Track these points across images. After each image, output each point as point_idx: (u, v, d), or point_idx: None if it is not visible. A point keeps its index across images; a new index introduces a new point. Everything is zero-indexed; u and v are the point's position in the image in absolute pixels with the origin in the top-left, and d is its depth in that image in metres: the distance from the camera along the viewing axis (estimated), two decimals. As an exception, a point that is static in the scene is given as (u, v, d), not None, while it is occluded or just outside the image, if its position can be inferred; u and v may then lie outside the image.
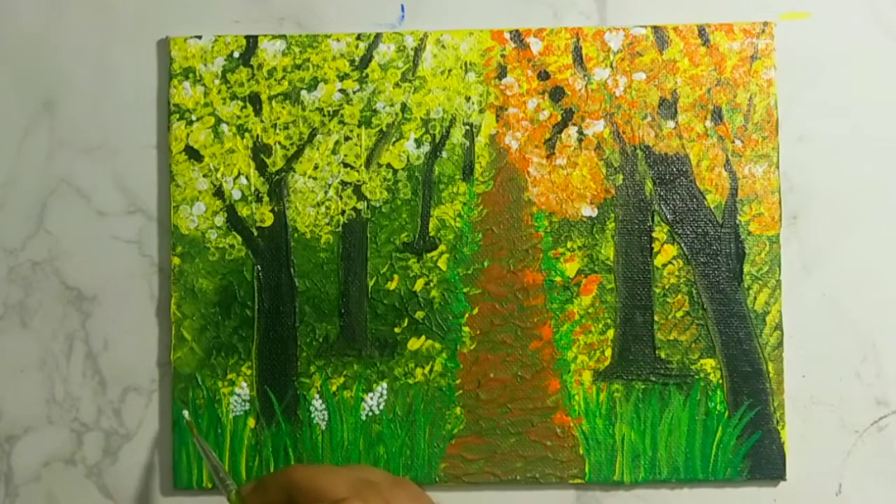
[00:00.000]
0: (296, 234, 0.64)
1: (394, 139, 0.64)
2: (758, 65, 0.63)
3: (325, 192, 0.64)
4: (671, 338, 0.63)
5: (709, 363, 0.63)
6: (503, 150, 0.64)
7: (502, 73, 0.64)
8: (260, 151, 0.64)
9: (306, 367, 0.63)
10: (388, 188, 0.64)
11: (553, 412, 0.63)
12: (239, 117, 0.64)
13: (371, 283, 0.63)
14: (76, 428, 0.64)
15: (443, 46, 0.64)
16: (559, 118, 0.64)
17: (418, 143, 0.64)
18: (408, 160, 0.64)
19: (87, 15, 0.65)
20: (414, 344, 0.63)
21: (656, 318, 0.63)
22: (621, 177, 0.63)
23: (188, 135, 0.64)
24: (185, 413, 0.62)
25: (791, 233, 0.64)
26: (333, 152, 0.64)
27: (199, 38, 0.64)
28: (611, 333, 0.63)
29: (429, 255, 0.63)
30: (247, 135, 0.64)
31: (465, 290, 0.63)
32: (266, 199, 0.64)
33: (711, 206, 0.63)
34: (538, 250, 0.63)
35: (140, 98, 0.65)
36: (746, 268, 0.63)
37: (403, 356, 0.63)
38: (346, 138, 0.64)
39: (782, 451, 0.62)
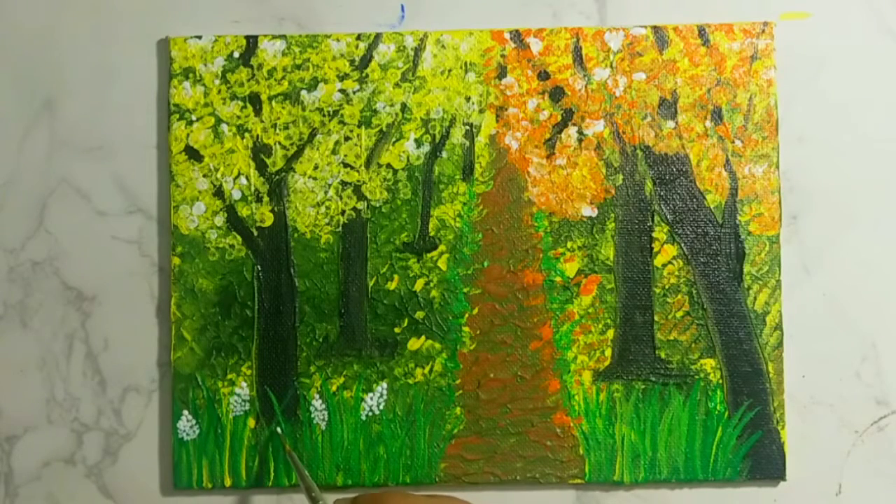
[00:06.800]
0: (296, 234, 0.64)
1: (394, 139, 0.64)
2: (758, 65, 0.63)
3: (325, 192, 0.64)
4: (671, 338, 0.63)
5: (709, 363, 0.63)
6: (503, 150, 0.64)
7: (502, 73, 0.64)
8: (260, 151, 0.64)
9: (306, 367, 0.63)
10: (388, 188, 0.64)
11: (553, 412, 0.63)
12: (239, 117, 0.64)
13: (371, 283, 0.63)
14: (76, 428, 0.64)
15: (443, 46, 0.64)
16: (559, 118, 0.64)
17: (418, 143, 0.64)
18: (408, 160, 0.64)
19: (87, 15, 0.65)
20: (414, 344, 0.63)
21: (656, 318, 0.63)
22: (621, 177, 0.63)
23: (188, 135, 0.64)
24: (279, 429, 0.62)
25: (791, 233, 0.64)
26: (333, 152, 0.64)
27: (199, 38, 0.64)
28: (611, 333, 0.63)
29: (429, 255, 0.63)
30: (247, 135, 0.64)
31: (465, 290, 0.63)
32: (266, 199, 0.64)
33: (711, 206, 0.63)
34: (538, 250, 0.63)
35: (140, 98, 0.65)
36: (746, 268, 0.63)
37: (403, 356, 0.63)
38: (346, 138, 0.64)
39: (782, 451, 0.62)
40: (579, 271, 0.63)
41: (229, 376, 0.63)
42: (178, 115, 0.64)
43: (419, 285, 0.63)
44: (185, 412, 0.63)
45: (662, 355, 0.63)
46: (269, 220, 0.64)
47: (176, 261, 0.63)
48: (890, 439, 0.63)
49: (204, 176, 0.64)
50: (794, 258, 0.63)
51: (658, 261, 0.63)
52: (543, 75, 0.64)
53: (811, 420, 0.63)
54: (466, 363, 0.63)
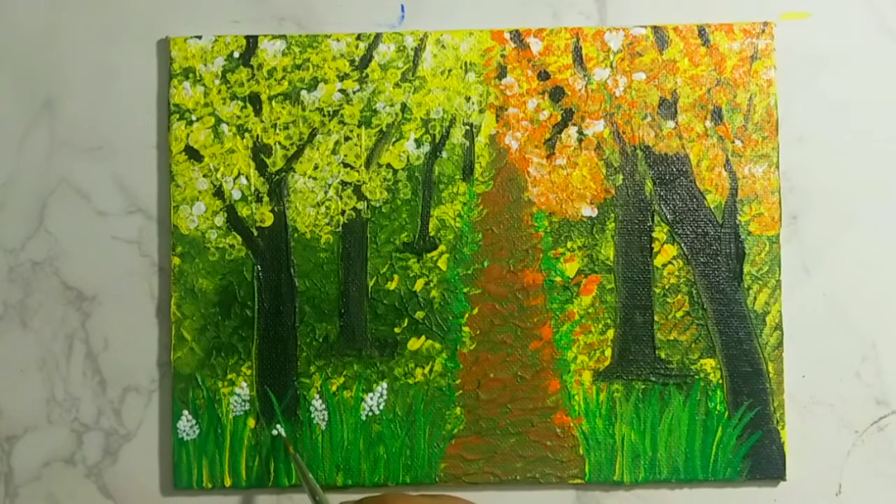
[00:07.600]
0: (296, 234, 0.64)
1: (394, 139, 0.64)
2: (758, 65, 0.63)
3: (325, 192, 0.64)
4: (671, 338, 0.63)
5: (709, 363, 0.63)
6: (503, 150, 0.64)
7: (502, 73, 0.64)
8: (260, 151, 0.64)
9: (306, 367, 0.63)
10: (388, 188, 0.64)
11: (553, 412, 0.63)
12: (239, 117, 0.64)
13: (371, 283, 0.63)
14: (76, 428, 0.64)
15: (443, 46, 0.64)
16: (559, 118, 0.64)
17: (418, 143, 0.64)
18: (408, 160, 0.64)
19: (87, 15, 0.65)
20: (414, 344, 0.63)
21: (656, 318, 0.63)
22: (621, 177, 0.63)
23: (188, 135, 0.64)
24: (279, 428, 0.62)
25: (791, 233, 0.64)
26: (333, 152, 0.64)
27: (199, 38, 0.64)
28: (611, 333, 0.63)
29: (429, 255, 0.63)
30: (247, 135, 0.64)
31: (465, 290, 0.63)
32: (266, 199, 0.64)
33: (711, 206, 0.63)
34: (538, 250, 0.63)
35: (140, 98, 0.65)
36: (746, 268, 0.63)
37: (403, 356, 0.63)
38: (346, 138, 0.64)
39: (782, 451, 0.62)
40: (579, 271, 0.63)
41: (229, 376, 0.63)
42: (178, 115, 0.64)
43: (419, 285, 0.63)
44: (185, 412, 0.63)
45: (662, 355, 0.63)
46: (269, 220, 0.64)
47: (176, 261, 0.63)
48: (890, 439, 0.63)
49: (204, 176, 0.64)
50: (794, 258, 0.63)
51: (658, 261, 0.63)
52: (543, 75, 0.64)
53: (811, 420, 0.63)
54: (466, 363, 0.63)
